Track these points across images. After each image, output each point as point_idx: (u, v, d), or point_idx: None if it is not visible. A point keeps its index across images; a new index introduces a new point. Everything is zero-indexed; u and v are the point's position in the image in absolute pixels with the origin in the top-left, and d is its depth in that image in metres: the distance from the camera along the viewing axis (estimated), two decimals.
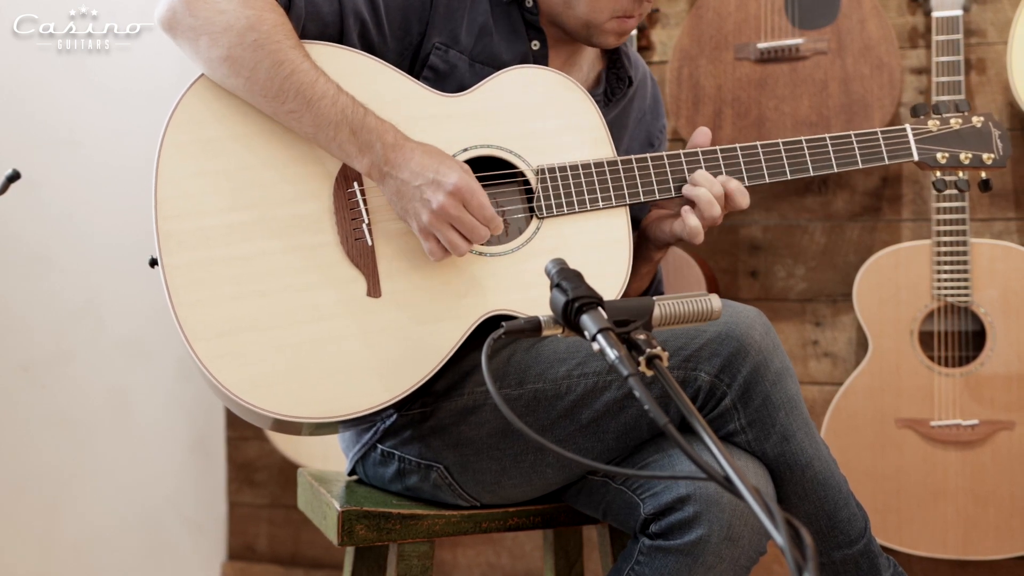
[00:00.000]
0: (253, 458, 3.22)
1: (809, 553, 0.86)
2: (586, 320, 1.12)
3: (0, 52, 2.54)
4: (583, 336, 1.12)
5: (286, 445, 3.03)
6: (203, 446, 3.18)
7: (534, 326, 1.17)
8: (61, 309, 2.69)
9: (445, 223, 1.46)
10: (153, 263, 1.49)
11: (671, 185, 1.63)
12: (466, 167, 1.49)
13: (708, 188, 1.60)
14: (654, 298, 1.20)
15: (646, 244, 1.74)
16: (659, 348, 1.09)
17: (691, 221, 1.60)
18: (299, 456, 3.01)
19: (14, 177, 1.82)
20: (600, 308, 1.13)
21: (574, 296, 1.13)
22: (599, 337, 1.09)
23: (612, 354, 1.07)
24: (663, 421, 1.00)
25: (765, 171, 1.65)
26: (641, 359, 1.09)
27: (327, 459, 2.91)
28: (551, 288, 1.17)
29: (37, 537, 2.65)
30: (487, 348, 1.12)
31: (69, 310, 2.71)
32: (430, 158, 1.47)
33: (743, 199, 1.62)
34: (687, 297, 1.22)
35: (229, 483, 3.25)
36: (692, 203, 1.61)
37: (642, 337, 1.12)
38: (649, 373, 1.09)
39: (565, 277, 1.17)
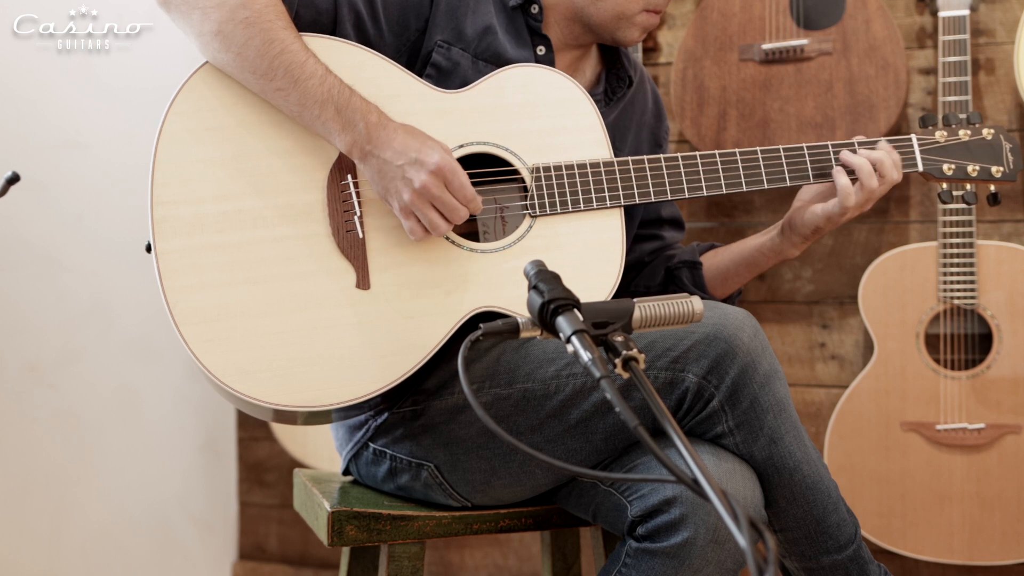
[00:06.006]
0: (263, 458, 3.24)
1: (771, 556, 0.86)
2: (561, 322, 1.12)
3: (0, 52, 2.56)
4: (559, 338, 1.12)
5: (295, 445, 3.05)
6: (213, 446, 3.20)
7: (512, 328, 1.17)
8: (70, 309, 2.72)
9: (426, 202, 1.47)
10: (148, 248, 1.51)
11: (667, 188, 1.63)
12: (447, 147, 1.50)
13: (866, 156, 1.63)
14: (634, 300, 1.20)
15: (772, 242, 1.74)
16: (636, 350, 1.09)
17: (842, 179, 1.61)
18: (307, 457, 3.03)
19: (14, 179, 1.83)
20: (576, 310, 1.13)
21: (550, 298, 1.14)
22: (573, 339, 1.09)
23: (585, 356, 1.07)
24: (633, 424, 1.00)
25: (764, 177, 1.65)
26: (617, 361, 1.09)
27: (334, 460, 2.92)
28: (528, 290, 1.17)
29: (45, 536, 2.68)
30: (464, 349, 1.12)
31: (78, 310, 2.74)
32: (412, 138, 1.49)
33: (894, 171, 1.62)
34: (669, 299, 1.22)
35: (240, 483, 3.27)
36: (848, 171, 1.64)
37: (619, 339, 1.11)
38: (625, 375, 1.09)
39: (542, 279, 1.17)
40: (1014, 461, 2.36)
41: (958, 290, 2.40)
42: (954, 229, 2.39)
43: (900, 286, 2.45)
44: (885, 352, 2.46)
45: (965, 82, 2.36)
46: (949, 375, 2.41)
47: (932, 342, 2.45)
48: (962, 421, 2.38)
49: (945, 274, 2.40)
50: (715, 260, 1.81)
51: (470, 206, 1.49)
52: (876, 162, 1.62)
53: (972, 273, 2.38)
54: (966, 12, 2.39)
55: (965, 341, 2.44)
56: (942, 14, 2.40)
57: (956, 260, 2.39)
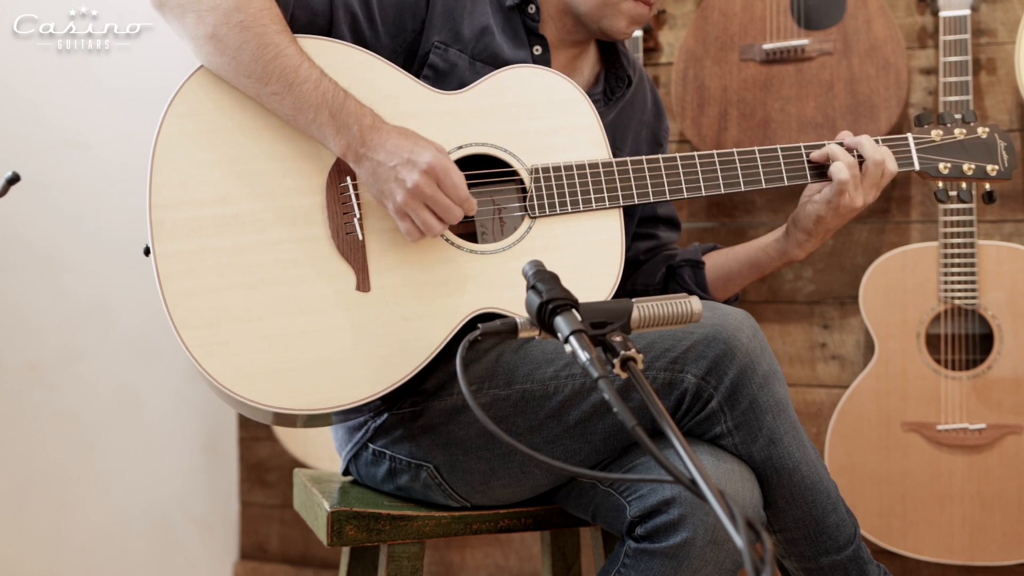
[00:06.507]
0: (265, 458, 3.24)
1: (768, 556, 0.85)
2: (560, 322, 1.12)
3: (0, 52, 2.56)
4: (557, 338, 1.12)
5: (295, 445, 3.05)
6: (214, 446, 3.20)
7: (510, 328, 1.17)
8: (70, 309, 2.72)
9: (419, 203, 1.47)
10: (147, 252, 1.51)
11: (666, 188, 1.62)
12: (440, 147, 1.49)
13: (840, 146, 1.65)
14: (633, 300, 1.20)
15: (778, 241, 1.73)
16: (634, 350, 1.09)
17: (834, 163, 1.61)
18: (307, 457, 3.02)
19: (14, 179, 1.83)
20: (574, 310, 1.13)
21: (548, 298, 1.13)
22: (571, 339, 1.09)
23: (583, 356, 1.07)
24: (631, 424, 1.00)
25: (762, 177, 1.65)
26: (616, 361, 1.09)
27: (334, 460, 2.92)
28: (527, 290, 1.17)
29: (46, 536, 2.68)
30: (462, 350, 1.12)
31: (78, 310, 2.74)
32: (405, 139, 1.48)
33: (874, 150, 1.63)
34: (667, 299, 1.22)
35: (241, 483, 3.27)
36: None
37: (618, 339, 1.11)
38: (624, 376, 1.08)
39: (541, 279, 1.16)
40: (1015, 461, 2.35)
41: (959, 290, 2.39)
42: (955, 229, 2.38)
43: (901, 286, 2.45)
44: (886, 352, 2.46)
45: (966, 82, 2.35)
46: (950, 375, 2.41)
47: (933, 342, 2.45)
48: (963, 421, 2.38)
49: (946, 274, 2.40)
50: (718, 260, 1.80)
51: (464, 206, 1.49)
52: (855, 144, 1.64)
53: (973, 273, 2.38)
54: (967, 12, 2.38)
55: (966, 341, 2.44)
56: (943, 14, 2.40)
57: (957, 260, 2.39)
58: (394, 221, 1.53)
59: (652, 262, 1.84)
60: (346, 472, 1.76)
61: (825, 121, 2.46)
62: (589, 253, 1.58)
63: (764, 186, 1.64)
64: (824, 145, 1.65)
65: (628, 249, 1.83)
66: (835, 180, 1.60)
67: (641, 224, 1.85)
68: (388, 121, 1.51)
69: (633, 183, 1.61)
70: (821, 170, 1.65)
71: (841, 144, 1.66)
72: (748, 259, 1.77)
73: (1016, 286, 2.38)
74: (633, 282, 1.84)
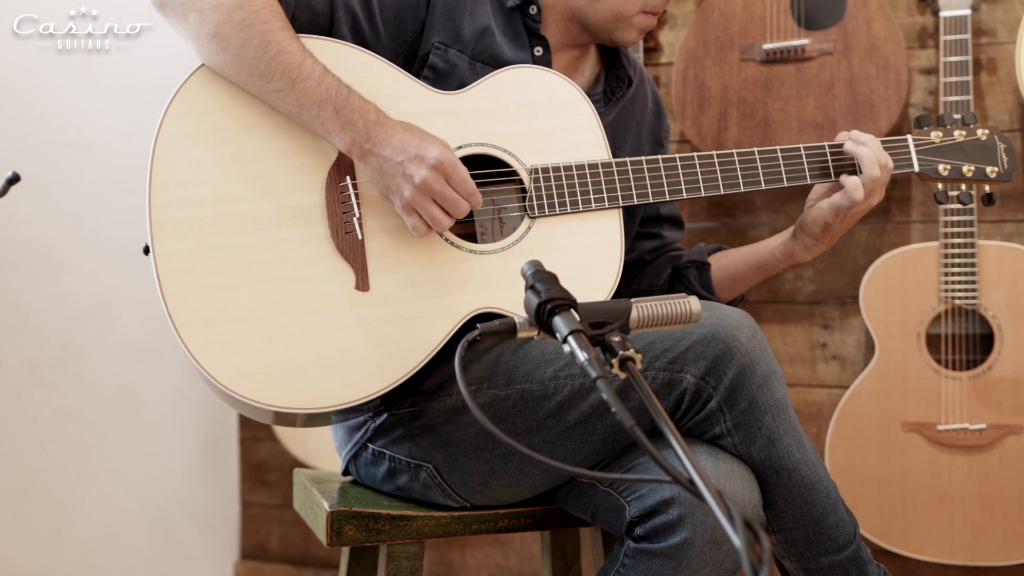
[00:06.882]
0: (265, 458, 3.24)
1: (766, 556, 0.85)
2: (558, 322, 1.11)
3: (0, 52, 2.56)
4: (556, 338, 1.12)
5: (296, 445, 3.05)
6: (215, 446, 3.20)
7: (509, 328, 1.17)
8: (70, 309, 2.72)
9: (428, 198, 1.47)
10: (146, 250, 1.51)
11: (665, 189, 1.62)
12: (445, 143, 1.50)
13: (870, 147, 1.63)
14: (632, 300, 1.20)
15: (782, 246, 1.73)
16: (632, 350, 1.09)
17: (850, 178, 1.61)
18: (308, 457, 3.02)
19: (14, 179, 1.83)
20: (573, 310, 1.13)
21: (547, 298, 1.13)
22: (570, 339, 1.09)
23: (582, 356, 1.07)
24: (629, 424, 1.00)
25: (761, 178, 1.65)
26: (614, 361, 1.09)
27: (335, 460, 2.91)
28: (526, 290, 1.17)
29: (46, 537, 2.68)
30: (461, 350, 1.12)
31: (78, 310, 2.74)
32: (411, 134, 1.49)
33: (879, 152, 1.63)
34: (666, 299, 1.21)
35: (241, 483, 3.27)
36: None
37: (616, 339, 1.11)
38: (622, 376, 1.08)
39: (539, 279, 1.16)
40: (1015, 461, 2.35)
41: (959, 290, 2.39)
42: (955, 229, 2.38)
43: (901, 286, 2.45)
44: (886, 352, 2.45)
45: (966, 82, 2.35)
46: (950, 375, 2.40)
47: (933, 342, 2.45)
48: (963, 421, 2.38)
49: (946, 274, 2.40)
50: (724, 261, 1.80)
51: (471, 200, 1.49)
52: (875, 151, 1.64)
53: (973, 273, 2.38)
54: (967, 12, 2.38)
55: (966, 341, 2.44)
56: (943, 14, 2.40)
57: (957, 260, 2.39)
58: (393, 220, 1.53)
59: (657, 262, 1.84)
60: (346, 472, 1.76)
61: (825, 121, 2.46)
62: (588, 253, 1.58)
63: (764, 187, 1.64)
64: (841, 145, 1.65)
65: (632, 249, 1.83)
66: (848, 196, 1.60)
67: (644, 224, 1.85)
68: (391, 117, 1.51)
69: (633, 183, 1.61)
70: (822, 171, 1.65)
71: (840, 145, 1.65)
72: (755, 261, 1.77)
73: (1016, 286, 2.38)
74: (639, 282, 1.83)
